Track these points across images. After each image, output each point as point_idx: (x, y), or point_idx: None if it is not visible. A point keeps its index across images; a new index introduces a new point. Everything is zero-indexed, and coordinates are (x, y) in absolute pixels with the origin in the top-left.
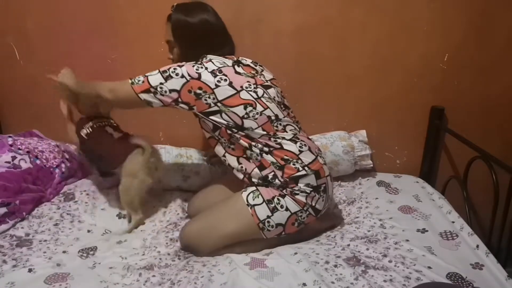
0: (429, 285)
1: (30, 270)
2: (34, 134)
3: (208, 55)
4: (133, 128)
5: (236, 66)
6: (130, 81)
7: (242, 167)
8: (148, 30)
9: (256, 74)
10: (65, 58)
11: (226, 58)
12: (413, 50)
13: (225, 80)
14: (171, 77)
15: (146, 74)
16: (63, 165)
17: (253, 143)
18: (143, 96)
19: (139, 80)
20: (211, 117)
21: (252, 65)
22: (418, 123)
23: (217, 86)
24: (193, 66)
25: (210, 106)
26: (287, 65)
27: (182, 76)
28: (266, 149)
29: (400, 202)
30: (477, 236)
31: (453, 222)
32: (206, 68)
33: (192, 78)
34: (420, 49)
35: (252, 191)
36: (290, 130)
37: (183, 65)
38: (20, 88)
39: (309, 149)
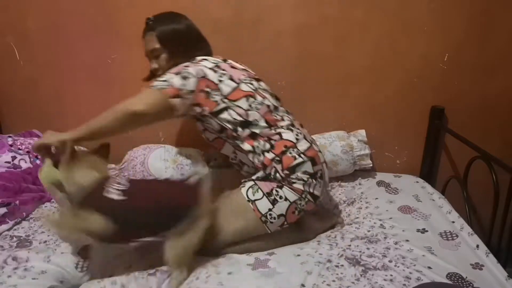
0: (429, 285)
1: (31, 271)
2: (34, 134)
3: (197, 57)
4: None
5: (227, 63)
6: (154, 87)
7: (252, 161)
8: None
9: (241, 68)
10: (65, 58)
11: (213, 56)
12: (413, 50)
13: (225, 74)
14: (187, 77)
15: (164, 78)
16: None
17: (255, 143)
18: (174, 101)
19: (163, 84)
20: (220, 116)
21: (233, 62)
22: (418, 123)
23: (220, 81)
24: (194, 66)
25: (217, 104)
26: (287, 65)
27: (193, 76)
28: (268, 145)
29: (400, 202)
30: (477, 236)
31: (453, 222)
32: (205, 66)
33: (200, 77)
34: (420, 49)
35: (251, 186)
36: (287, 119)
37: (188, 65)
38: (20, 88)
39: (304, 137)
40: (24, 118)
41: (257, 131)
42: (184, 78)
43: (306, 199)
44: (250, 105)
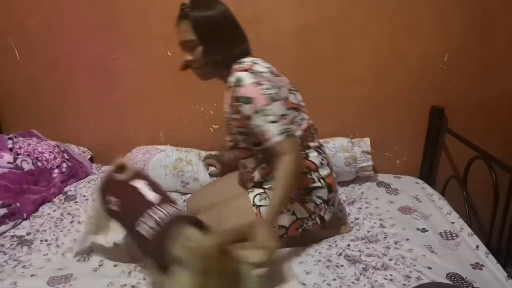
0: (429, 285)
1: (31, 271)
2: (33, 134)
3: (242, 59)
4: (133, 128)
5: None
6: (287, 136)
7: (264, 181)
8: (148, 30)
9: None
10: (65, 58)
11: (255, 57)
12: (413, 50)
13: (281, 81)
14: (277, 93)
15: (279, 115)
16: (63, 165)
17: None
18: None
19: (287, 126)
20: None
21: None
22: (418, 123)
23: (279, 87)
24: (256, 76)
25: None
26: (287, 65)
27: (273, 87)
28: None
29: (400, 203)
30: (477, 236)
31: (453, 222)
32: (264, 72)
33: (272, 81)
34: (420, 49)
35: (259, 193)
36: (316, 139)
37: (256, 82)
38: (20, 88)
39: (328, 163)
40: (24, 118)
41: None
42: (279, 97)
43: (314, 221)
44: (293, 119)
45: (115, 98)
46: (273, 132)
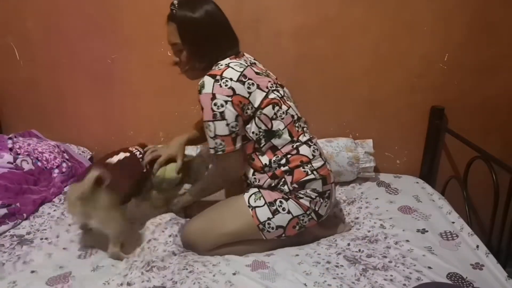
0: (429, 285)
1: (31, 270)
2: (33, 134)
3: (221, 61)
4: (133, 128)
5: (252, 67)
6: (217, 152)
7: (255, 178)
8: (148, 30)
9: (266, 73)
10: (65, 58)
11: (237, 59)
12: (413, 50)
13: (253, 84)
14: (224, 114)
15: (215, 134)
16: (63, 165)
17: (274, 158)
18: (238, 145)
19: (220, 145)
20: (246, 127)
21: (257, 63)
22: (418, 123)
23: (249, 93)
24: (220, 85)
25: (250, 117)
26: (287, 65)
27: (226, 102)
28: (284, 160)
29: (400, 203)
30: (477, 236)
31: (453, 222)
32: (231, 79)
33: (230, 97)
34: (420, 49)
35: (254, 193)
36: (306, 132)
37: (213, 94)
38: (20, 88)
39: (320, 155)
40: (24, 118)
41: (278, 144)
42: (223, 117)
43: (310, 216)
44: (275, 113)
45: (115, 98)
46: (209, 144)
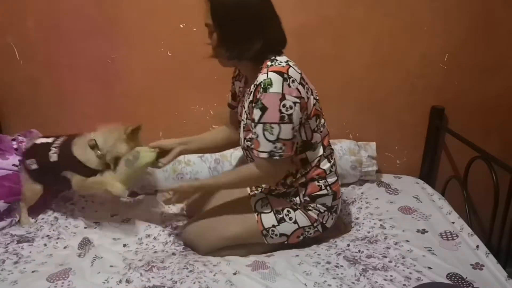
0: (429, 285)
1: (31, 268)
2: (34, 134)
3: (277, 56)
4: None
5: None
6: (273, 157)
7: (271, 188)
8: (148, 30)
9: None
10: (65, 58)
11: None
12: (414, 50)
13: (309, 89)
14: (292, 117)
15: (277, 138)
16: None
17: (301, 170)
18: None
19: (280, 149)
20: None
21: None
22: (418, 123)
23: (307, 98)
24: (289, 85)
25: (300, 124)
26: None
27: (295, 104)
28: (303, 171)
29: (400, 203)
30: (477, 236)
31: (453, 222)
32: (295, 80)
33: (299, 97)
34: (421, 49)
35: (261, 198)
36: (330, 147)
37: (282, 94)
38: (20, 88)
39: (335, 171)
40: (24, 118)
41: (310, 157)
42: (290, 120)
43: (316, 229)
44: (317, 125)
45: (115, 98)
46: (263, 148)
